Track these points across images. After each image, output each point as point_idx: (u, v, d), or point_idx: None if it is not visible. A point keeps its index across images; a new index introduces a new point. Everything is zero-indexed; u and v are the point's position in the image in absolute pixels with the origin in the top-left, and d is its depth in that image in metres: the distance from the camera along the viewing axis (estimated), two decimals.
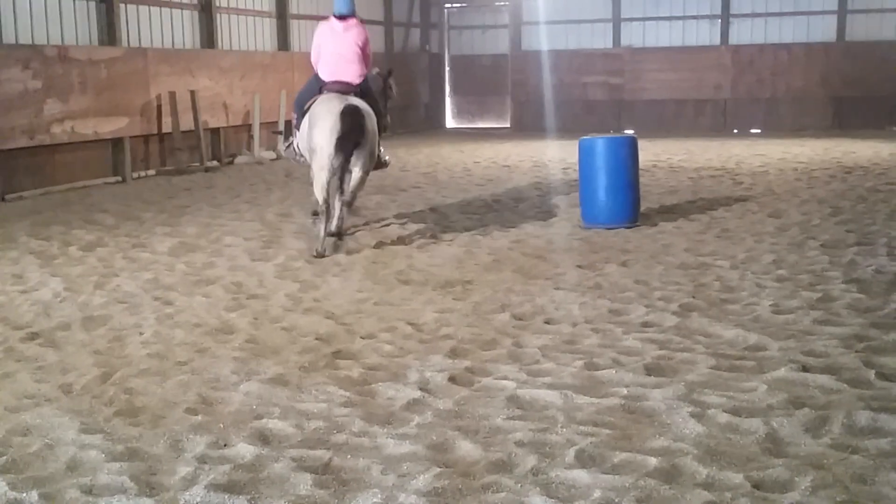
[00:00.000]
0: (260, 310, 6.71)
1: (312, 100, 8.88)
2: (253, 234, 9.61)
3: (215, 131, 16.47)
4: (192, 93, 15.45)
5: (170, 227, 10.13)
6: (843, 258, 7.97)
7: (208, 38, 16.59)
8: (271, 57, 18.31)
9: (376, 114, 8.96)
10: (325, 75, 8.97)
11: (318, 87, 9.00)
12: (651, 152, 16.46)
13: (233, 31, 17.43)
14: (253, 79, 17.36)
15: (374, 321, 6.37)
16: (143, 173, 14.78)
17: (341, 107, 8.44)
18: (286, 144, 9.97)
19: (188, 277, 7.78)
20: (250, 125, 17.13)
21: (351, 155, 8.52)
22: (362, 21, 9.30)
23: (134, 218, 10.75)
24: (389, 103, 9.96)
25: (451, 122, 26.35)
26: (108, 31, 14.28)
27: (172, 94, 15.07)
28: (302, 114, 9.03)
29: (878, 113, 21.35)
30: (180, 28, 16.04)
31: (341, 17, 9.01)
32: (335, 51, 8.94)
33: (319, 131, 8.47)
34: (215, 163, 16.07)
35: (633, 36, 23.37)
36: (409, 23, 24.69)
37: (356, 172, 8.75)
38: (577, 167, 10.25)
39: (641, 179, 10.30)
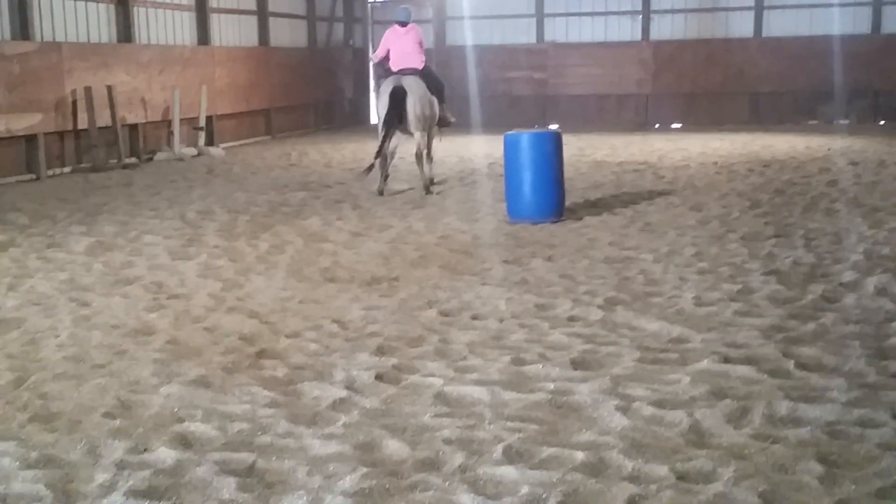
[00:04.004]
0: (181, 310, 6.57)
1: (381, 81, 12.26)
2: (173, 233, 9.42)
3: (133, 127, 16.10)
4: (109, 88, 15.08)
5: (86, 225, 9.87)
6: (762, 250, 8.13)
7: (125, 31, 16.21)
8: (191, 51, 17.98)
9: (434, 89, 11.99)
10: (394, 66, 11.93)
11: (388, 81, 11.98)
12: (575, 147, 16.61)
13: (150, 24, 17.06)
14: (172, 73, 17.02)
15: (299, 320, 6.28)
16: (58, 171, 14.38)
17: (391, 88, 11.58)
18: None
19: (106, 277, 7.58)
20: (170, 121, 16.79)
21: (397, 122, 11.62)
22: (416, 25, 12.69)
23: (49, 217, 10.45)
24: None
25: (375, 117, 26.19)
26: (22, 25, 13.85)
27: (88, 90, 14.68)
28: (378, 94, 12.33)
29: (795, 107, 21.90)
30: (96, 22, 15.64)
31: (402, 24, 12.20)
32: (401, 48, 11.98)
33: (381, 104, 11.74)
34: (134, 160, 15.70)
35: (557, 31, 23.57)
36: (332, 17, 24.49)
37: (415, 136, 11.82)
38: (502, 162, 10.27)
39: (566, 174, 10.37)
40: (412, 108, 11.60)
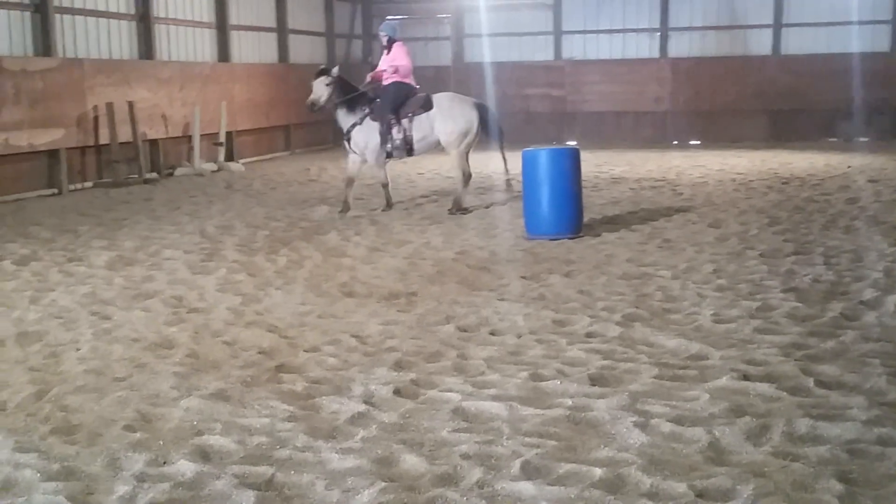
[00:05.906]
0: (201, 324, 6.61)
1: (420, 100, 11.58)
2: (193, 247, 9.48)
3: (154, 143, 16.24)
4: (130, 104, 15.22)
5: (107, 240, 9.95)
6: (781, 267, 8.10)
7: (146, 48, 16.37)
8: (211, 68, 18.12)
9: None
10: (415, 82, 11.87)
11: (404, 92, 11.67)
12: (593, 164, 16.62)
13: (171, 41, 17.22)
14: (192, 90, 17.16)
15: (318, 334, 6.30)
16: (79, 185, 14.51)
17: (473, 104, 11.70)
18: (388, 144, 11.83)
19: (126, 291, 7.63)
20: (190, 136, 16.92)
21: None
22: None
23: (70, 231, 10.54)
24: None
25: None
26: (44, 42, 14.02)
27: (110, 105, 14.82)
28: (392, 111, 11.58)
29: (813, 124, 21.82)
30: (117, 38, 15.80)
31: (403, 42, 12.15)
32: (410, 64, 11.98)
33: (465, 120, 11.48)
34: (154, 175, 15.83)
35: (574, 48, 23.61)
36: (350, 34, 24.63)
37: (468, 154, 11.65)
38: (520, 179, 10.29)
39: (584, 190, 10.37)
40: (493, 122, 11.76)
